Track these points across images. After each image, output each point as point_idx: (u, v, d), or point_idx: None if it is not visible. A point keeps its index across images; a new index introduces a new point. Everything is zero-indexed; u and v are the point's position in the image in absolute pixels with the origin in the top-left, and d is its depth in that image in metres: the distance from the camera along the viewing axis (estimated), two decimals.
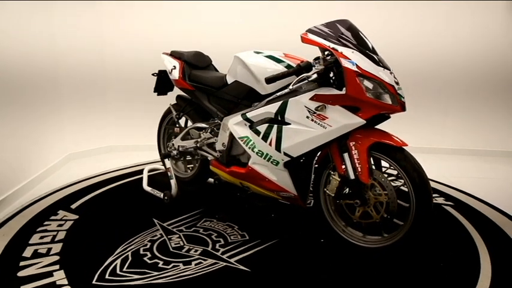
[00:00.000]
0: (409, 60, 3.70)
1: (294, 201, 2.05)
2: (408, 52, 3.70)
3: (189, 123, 2.72)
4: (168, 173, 2.55)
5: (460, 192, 2.78)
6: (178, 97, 2.67)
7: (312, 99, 1.73)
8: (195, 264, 1.78)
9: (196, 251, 1.91)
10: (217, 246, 1.96)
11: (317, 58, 1.83)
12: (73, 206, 2.46)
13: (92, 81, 3.56)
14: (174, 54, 2.56)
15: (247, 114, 2.01)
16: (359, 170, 1.73)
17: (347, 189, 1.83)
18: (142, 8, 3.57)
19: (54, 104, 3.22)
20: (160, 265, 1.77)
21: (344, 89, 1.65)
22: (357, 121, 1.65)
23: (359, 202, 1.76)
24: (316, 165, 1.99)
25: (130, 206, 2.49)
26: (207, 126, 2.41)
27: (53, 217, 2.29)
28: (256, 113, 1.96)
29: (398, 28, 3.69)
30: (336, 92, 1.67)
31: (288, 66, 1.93)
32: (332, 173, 1.88)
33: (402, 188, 1.77)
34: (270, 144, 1.91)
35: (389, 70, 1.69)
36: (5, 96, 2.48)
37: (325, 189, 1.92)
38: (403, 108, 1.65)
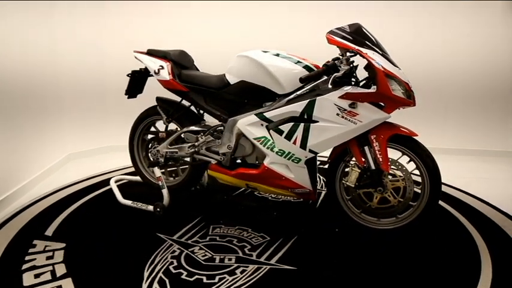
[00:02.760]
0: (408, 61, 3.45)
1: (307, 196, 2.12)
2: (407, 53, 3.64)
3: (168, 127, 2.54)
4: (160, 182, 2.35)
5: (460, 192, 2.75)
6: (160, 100, 2.46)
7: (341, 97, 1.82)
8: (240, 273, 1.71)
9: (230, 259, 1.83)
10: (246, 251, 1.91)
11: (336, 59, 1.94)
12: (49, 233, 2.07)
13: (91, 82, 3.53)
14: (156, 54, 2.35)
15: (265, 114, 2.00)
16: (380, 160, 1.91)
17: (367, 179, 1.98)
18: (139, 10, 3.66)
19: (54, 104, 3.23)
20: (205, 280, 1.65)
21: (374, 87, 1.79)
22: (384, 116, 1.82)
23: (382, 189, 1.94)
24: (330, 160, 2.10)
25: (116, 223, 2.23)
26: (206, 128, 2.29)
27: (32, 250, 1.89)
28: (277, 112, 1.96)
29: (399, 30, 3.68)
30: (365, 90, 1.81)
31: (305, 66, 1.98)
32: (351, 165, 2.02)
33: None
34: (295, 142, 1.94)
35: (400, 69, 1.89)
36: (4, 96, 2.47)
37: (343, 181, 2.04)
38: (415, 102, 1.88)
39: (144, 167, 2.67)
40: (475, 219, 2.28)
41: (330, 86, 1.83)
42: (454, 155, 3.85)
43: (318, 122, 1.88)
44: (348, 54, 1.87)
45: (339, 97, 1.83)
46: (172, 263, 1.79)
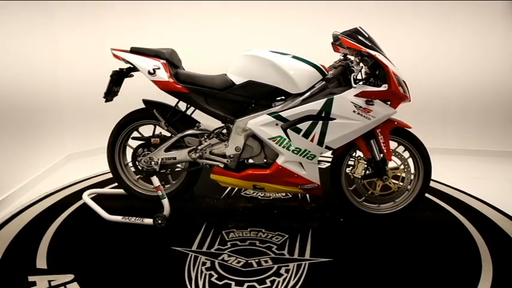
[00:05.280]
0: (409, 63, 3.62)
1: (315, 191, 2.20)
2: (408, 55, 3.67)
3: (155, 131, 2.36)
4: (159, 192, 2.17)
5: (460, 192, 2.74)
6: (151, 103, 2.26)
7: (357, 95, 1.95)
8: (286, 272, 1.72)
9: (266, 261, 1.81)
10: (276, 251, 1.91)
11: (344, 59, 2.06)
12: (42, 265, 1.73)
13: (91, 82, 3.42)
14: (145, 53, 2.15)
15: (280, 113, 2.01)
16: (384, 151, 2.11)
17: (371, 170, 2.17)
18: (135, 16, 3.67)
19: (54, 104, 3.25)
20: (258, 286, 1.61)
21: (385, 85, 1.97)
22: (392, 111, 2.01)
23: (387, 177, 2.14)
24: (336, 155, 2.22)
25: (114, 241, 2.00)
26: (208, 131, 2.19)
27: None
28: (294, 111, 1.99)
29: (400, 32, 3.69)
30: (377, 88, 1.97)
31: (314, 66, 2.06)
32: (357, 157, 2.17)
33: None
34: (312, 140, 2.01)
35: (398, 68, 2.11)
36: (4, 97, 2.49)
37: (351, 173, 2.19)
38: (410, 98, 2.12)
39: (128, 176, 2.42)
40: (475, 220, 2.26)
41: (354, 85, 1.94)
42: (454, 155, 3.85)
43: (335, 119, 1.98)
44: (354, 55, 2.01)
45: (355, 95, 1.96)
46: (211, 275, 1.69)
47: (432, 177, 2.62)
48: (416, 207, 2.26)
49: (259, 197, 2.66)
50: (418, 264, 1.79)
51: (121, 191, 2.53)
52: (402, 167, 2.21)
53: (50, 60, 3.17)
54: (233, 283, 1.63)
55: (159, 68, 2.09)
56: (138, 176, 2.43)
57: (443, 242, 2.00)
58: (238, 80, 2.10)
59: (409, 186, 2.24)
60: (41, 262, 1.76)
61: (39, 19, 3.01)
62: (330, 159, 2.28)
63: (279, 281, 1.65)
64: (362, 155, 2.17)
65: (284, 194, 2.68)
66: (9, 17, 2.57)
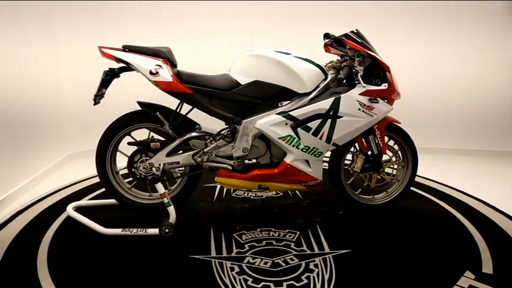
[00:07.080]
0: (409, 63, 3.73)
1: (318, 187, 2.27)
2: (408, 56, 3.76)
3: (149, 135, 2.22)
4: (165, 199, 2.05)
5: (460, 192, 2.75)
6: (150, 106, 2.11)
7: (361, 94, 2.07)
8: (316, 267, 1.76)
9: (292, 259, 1.83)
10: (296, 248, 1.94)
11: (344, 60, 2.16)
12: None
13: (91, 82, 3.11)
14: (145, 52, 2.00)
15: (290, 113, 2.03)
16: (381, 145, 2.27)
17: (368, 164, 2.31)
18: (134, 19, 3.69)
19: (54, 105, 3.28)
20: (297, 284, 1.62)
21: (385, 84, 2.11)
22: (390, 108, 2.16)
23: (384, 170, 2.30)
24: (336, 150, 2.32)
25: (119, 255, 1.85)
26: (211, 133, 2.12)
27: None
28: (304, 111, 2.03)
29: (400, 36, 3.77)
30: (378, 87, 2.10)
31: (317, 65, 2.12)
32: (355, 152, 2.30)
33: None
34: (321, 138, 2.07)
35: None
36: (5, 97, 2.51)
37: (350, 168, 2.31)
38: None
39: (121, 184, 2.23)
40: (475, 220, 2.27)
41: (363, 85, 2.03)
42: (454, 155, 3.88)
43: (342, 117, 2.07)
44: (355, 56, 2.12)
45: (360, 94, 2.07)
46: (246, 279, 1.66)
47: (432, 178, 2.92)
48: (406, 197, 2.47)
49: (252, 197, 2.66)
50: (418, 263, 1.81)
51: (107, 201, 2.33)
52: (394, 159, 2.39)
53: (50, 63, 3.23)
54: (271, 284, 1.62)
55: (161, 68, 1.97)
56: (127, 180, 2.27)
57: (442, 242, 2.01)
58: (243, 80, 2.07)
59: (399, 177, 2.43)
60: (46, 284, 1.56)
61: (40, 32, 3.11)
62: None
63: (313, 277, 1.68)
64: (359, 150, 2.30)
65: (275, 192, 2.72)
66: (13, 31, 2.69)
